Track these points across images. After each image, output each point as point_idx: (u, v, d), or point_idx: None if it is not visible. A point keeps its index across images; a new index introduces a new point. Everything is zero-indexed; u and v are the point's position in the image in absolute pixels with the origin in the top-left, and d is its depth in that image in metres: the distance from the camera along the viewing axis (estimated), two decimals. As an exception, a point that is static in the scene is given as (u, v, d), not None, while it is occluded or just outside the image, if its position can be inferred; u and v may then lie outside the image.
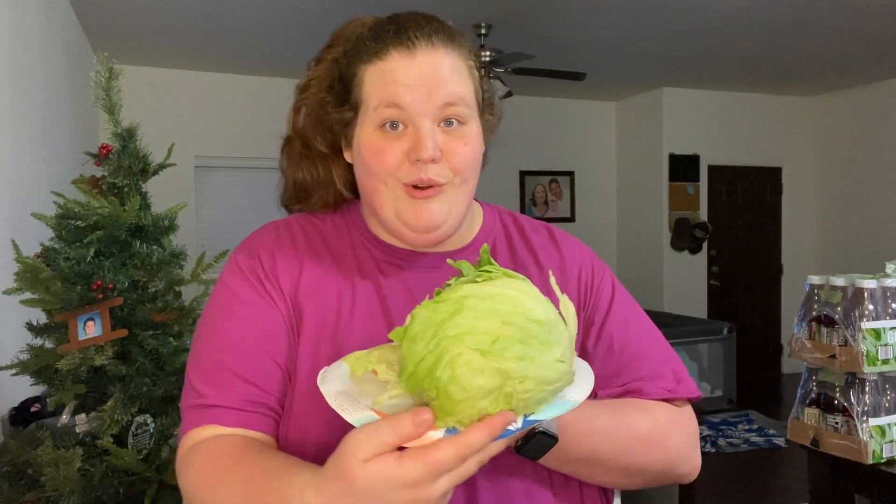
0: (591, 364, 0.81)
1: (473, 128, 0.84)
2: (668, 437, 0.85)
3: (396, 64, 0.79)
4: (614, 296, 0.93)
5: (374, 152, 0.81)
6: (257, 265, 0.86)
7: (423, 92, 0.79)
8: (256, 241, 0.89)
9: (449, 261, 0.66)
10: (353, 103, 0.84)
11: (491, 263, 0.64)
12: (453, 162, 0.81)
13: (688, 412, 0.90)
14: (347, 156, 0.89)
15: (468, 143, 0.82)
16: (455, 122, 0.81)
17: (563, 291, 0.79)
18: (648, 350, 0.91)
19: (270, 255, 0.87)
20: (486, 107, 0.88)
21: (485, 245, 0.67)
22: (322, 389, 0.64)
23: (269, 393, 0.81)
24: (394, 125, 0.80)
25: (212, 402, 0.79)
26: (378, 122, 0.80)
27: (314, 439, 0.78)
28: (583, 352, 0.89)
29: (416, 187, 0.80)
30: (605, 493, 0.91)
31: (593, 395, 0.85)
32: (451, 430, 0.57)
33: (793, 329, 2.04)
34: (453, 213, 0.83)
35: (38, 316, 1.82)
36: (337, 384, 0.65)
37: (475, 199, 0.95)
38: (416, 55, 0.79)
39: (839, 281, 1.92)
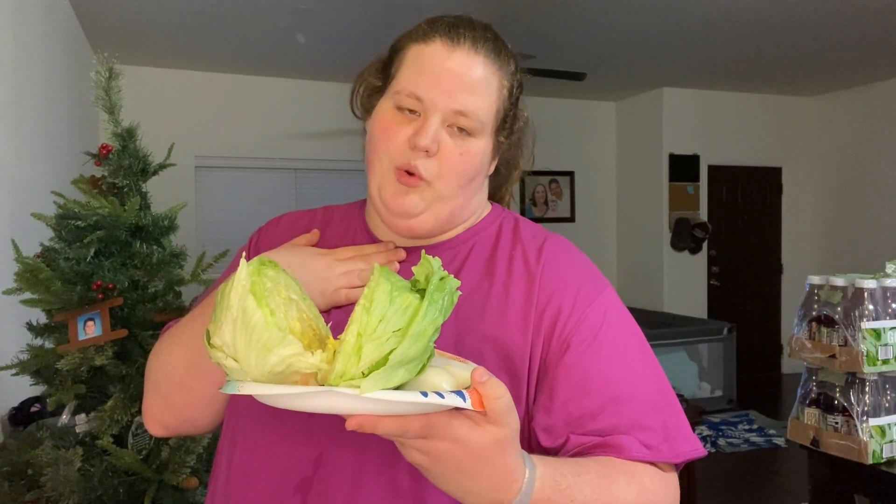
0: (557, 394, 0.80)
1: (479, 144, 0.85)
2: None
3: (435, 52, 0.83)
4: (604, 327, 0.82)
5: (383, 128, 0.85)
6: (255, 237, 0.98)
7: (444, 90, 0.82)
8: (271, 220, 1.00)
9: (423, 252, 0.66)
10: (387, 74, 0.88)
11: (429, 265, 0.64)
12: (443, 165, 0.83)
13: (672, 480, 0.81)
14: (367, 123, 0.91)
15: (464, 155, 0.84)
16: (463, 132, 0.84)
17: (524, 309, 0.83)
18: (635, 395, 0.80)
19: (265, 231, 0.98)
20: (503, 130, 0.89)
21: (423, 252, 0.67)
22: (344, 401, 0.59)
23: None
24: (412, 111, 0.84)
25: (172, 324, 0.93)
26: (397, 103, 0.84)
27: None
28: (552, 379, 0.81)
29: (401, 171, 0.83)
30: None
31: (566, 438, 0.79)
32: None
33: (793, 329, 2.04)
34: (433, 214, 0.85)
35: (38, 316, 1.82)
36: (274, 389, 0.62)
37: (489, 200, 0.98)
38: (456, 52, 0.83)
39: (839, 281, 1.92)
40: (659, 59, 5.43)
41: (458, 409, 0.60)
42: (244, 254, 0.95)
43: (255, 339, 0.60)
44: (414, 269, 0.63)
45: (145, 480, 1.67)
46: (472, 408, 0.59)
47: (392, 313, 0.58)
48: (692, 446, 0.81)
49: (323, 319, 0.67)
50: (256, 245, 0.97)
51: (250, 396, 0.62)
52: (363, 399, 0.57)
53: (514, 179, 1.01)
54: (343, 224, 0.96)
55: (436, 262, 0.62)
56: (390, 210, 0.85)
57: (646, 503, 0.77)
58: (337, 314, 0.85)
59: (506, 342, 0.81)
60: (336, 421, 0.73)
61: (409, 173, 0.83)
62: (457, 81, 0.82)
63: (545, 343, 0.82)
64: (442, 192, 0.84)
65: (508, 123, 0.89)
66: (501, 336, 0.82)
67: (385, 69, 0.89)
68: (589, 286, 0.86)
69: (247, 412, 0.84)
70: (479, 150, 0.85)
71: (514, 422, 0.63)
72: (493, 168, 0.93)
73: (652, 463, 0.79)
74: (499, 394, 0.60)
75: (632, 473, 0.76)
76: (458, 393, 0.59)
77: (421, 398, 0.57)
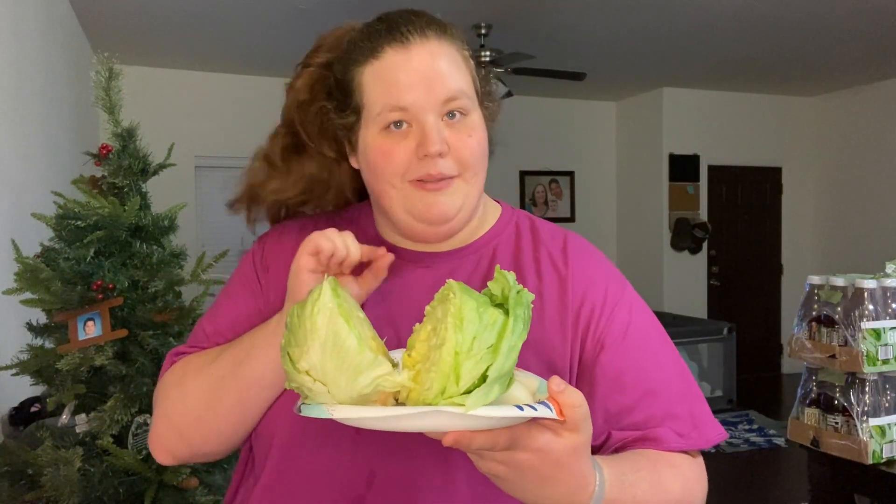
0: (595, 393, 0.82)
1: (476, 118, 0.84)
2: (695, 494, 0.83)
3: (393, 60, 0.80)
4: (631, 325, 0.86)
5: (381, 154, 0.81)
6: (258, 251, 0.93)
7: (423, 88, 0.79)
8: (273, 229, 0.95)
9: (497, 267, 0.66)
10: (354, 107, 0.83)
11: (504, 278, 0.64)
12: (461, 155, 0.81)
13: (702, 465, 0.86)
14: (353, 161, 0.88)
15: (473, 135, 0.82)
16: (458, 115, 0.81)
17: (559, 311, 0.84)
18: (664, 386, 0.85)
19: (270, 245, 0.93)
20: (485, 95, 0.88)
21: (497, 267, 0.67)
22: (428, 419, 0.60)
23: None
24: (398, 124, 0.80)
25: (183, 350, 0.91)
26: (382, 125, 0.80)
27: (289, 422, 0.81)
28: (590, 379, 0.84)
29: (424, 181, 0.80)
30: None
31: (607, 435, 0.82)
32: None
33: (793, 329, 2.04)
34: (465, 207, 0.84)
35: (38, 316, 1.82)
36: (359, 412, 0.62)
37: (496, 200, 0.96)
38: (411, 49, 0.80)
39: (839, 281, 1.92)
40: (659, 59, 5.43)
41: (535, 418, 0.62)
42: (254, 263, 0.93)
43: (348, 362, 0.60)
44: (489, 284, 0.64)
45: (145, 480, 1.67)
46: (558, 417, 0.61)
47: (482, 330, 0.59)
48: (717, 431, 0.86)
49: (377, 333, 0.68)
50: (263, 258, 0.92)
51: (290, 410, 0.62)
52: (467, 417, 0.58)
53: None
54: (352, 229, 0.92)
55: (510, 276, 0.63)
56: (427, 221, 0.82)
57: (689, 491, 0.81)
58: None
59: (546, 346, 0.83)
60: (385, 437, 0.74)
61: (437, 179, 0.80)
62: (430, 74, 0.79)
63: (581, 343, 0.85)
64: (469, 179, 0.83)
65: (486, 88, 0.88)
66: (541, 340, 0.83)
67: (345, 105, 0.85)
68: (614, 284, 0.89)
69: (285, 428, 0.82)
70: (479, 124, 0.84)
71: (589, 428, 0.65)
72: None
73: (684, 451, 0.83)
74: (578, 402, 0.62)
75: (674, 464, 0.81)
76: (544, 403, 0.61)
77: (519, 412, 0.58)
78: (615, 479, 0.70)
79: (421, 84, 0.79)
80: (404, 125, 0.80)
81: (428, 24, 0.82)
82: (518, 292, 0.62)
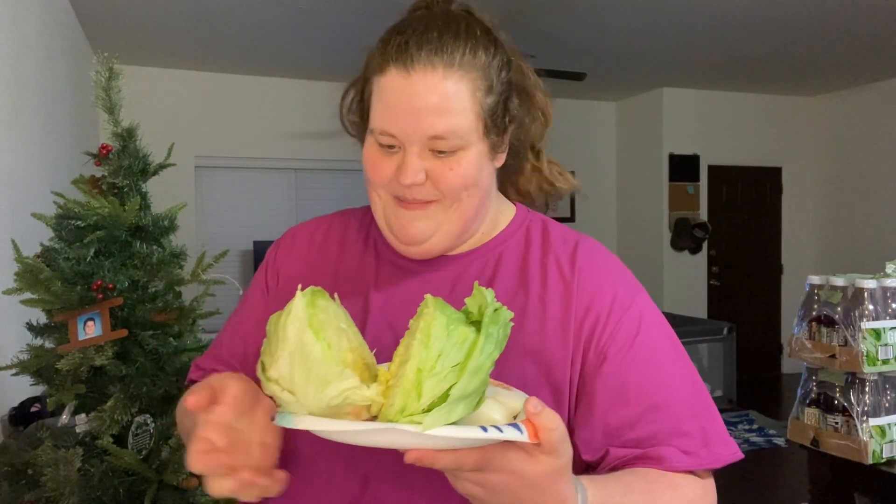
0: (595, 405, 0.80)
1: (468, 154, 0.80)
2: None
3: (393, 83, 0.78)
4: (640, 335, 0.82)
5: (371, 164, 0.83)
6: (272, 258, 0.96)
7: (412, 121, 0.77)
8: (285, 235, 0.98)
9: (476, 283, 0.66)
10: (364, 110, 0.86)
11: (482, 296, 0.64)
12: (439, 186, 0.80)
13: (711, 486, 0.81)
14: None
15: (455, 169, 0.79)
16: (446, 151, 0.79)
17: (562, 320, 0.82)
18: (672, 401, 0.80)
19: (282, 252, 0.96)
20: (493, 128, 0.82)
21: (476, 283, 0.67)
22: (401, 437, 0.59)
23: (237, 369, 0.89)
24: (390, 146, 0.81)
25: (202, 365, 0.96)
26: (376, 141, 0.82)
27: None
28: (590, 391, 0.80)
29: (401, 200, 0.82)
30: None
31: (605, 451, 0.79)
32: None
33: (793, 329, 2.04)
34: (442, 231, 0.83)
35: (38, 316, 1.82)
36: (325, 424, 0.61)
37: (513, 202, 0.95)
38: (412, 76, 0.77)
39: (839, 281, 1.92)
40: (659, 59, 5.43)
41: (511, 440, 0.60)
42: (266, 271, 0.95)
43: (314, 373, 0.60)
44: (467, 300, 0.64)
45: (145, 480, 1.67)
46: (529, 440, 0.59)
47: (450, 348, 0.59)
48: (731, 450, 0.81)
49: (367, 347, 0.68)
50: (275, 262, 0.95)
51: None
52: (425, 436, 0.57)
53: (541, 157, 0.97)
54: (362, 232, 0.94)
55: (489, 293, 0.62)
56: (401, 240, 0.84)
57: None
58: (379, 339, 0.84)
59: (546, 356, 0.81)
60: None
61: (410, 201, 0.81)
62: (422, 107, 0.76)
63: (584, 354, 0.81)
64: (449, 206, 0.82)
65: (499, 117, 0.82)
66: (542, 350, 0.81)
67: (361, 102, 0.87)
68: (623, 292, 0.85)
69: (282, 432, 0.82)
70: (470, 160, 0.80)
71: (567, 451, 0.63)
72: (502, 160, 0.88)
73: (691, 470, 0.79)
74: (553, 425, 0.60)
75: (674, 485, 0.77)
76: (515, 425, 0.60)
77: (482, 434, 0.57)
78: (599, 501, 0.68)
79: (411, 116, 0.77)
80: (395, 147, 0.80)
81: (441, 49, 0.77)
82: (495, 311, 0.61)
